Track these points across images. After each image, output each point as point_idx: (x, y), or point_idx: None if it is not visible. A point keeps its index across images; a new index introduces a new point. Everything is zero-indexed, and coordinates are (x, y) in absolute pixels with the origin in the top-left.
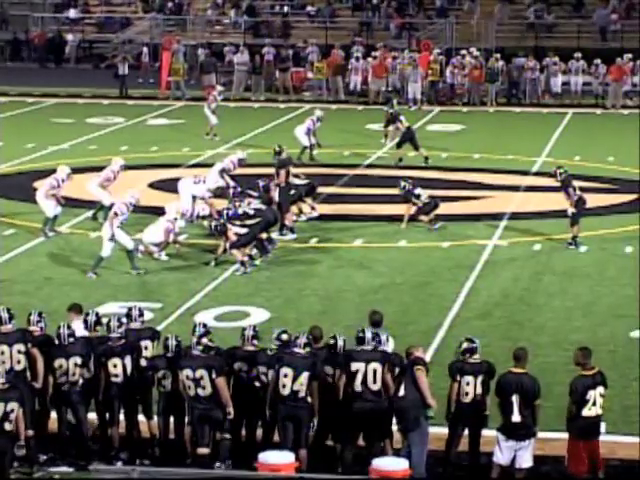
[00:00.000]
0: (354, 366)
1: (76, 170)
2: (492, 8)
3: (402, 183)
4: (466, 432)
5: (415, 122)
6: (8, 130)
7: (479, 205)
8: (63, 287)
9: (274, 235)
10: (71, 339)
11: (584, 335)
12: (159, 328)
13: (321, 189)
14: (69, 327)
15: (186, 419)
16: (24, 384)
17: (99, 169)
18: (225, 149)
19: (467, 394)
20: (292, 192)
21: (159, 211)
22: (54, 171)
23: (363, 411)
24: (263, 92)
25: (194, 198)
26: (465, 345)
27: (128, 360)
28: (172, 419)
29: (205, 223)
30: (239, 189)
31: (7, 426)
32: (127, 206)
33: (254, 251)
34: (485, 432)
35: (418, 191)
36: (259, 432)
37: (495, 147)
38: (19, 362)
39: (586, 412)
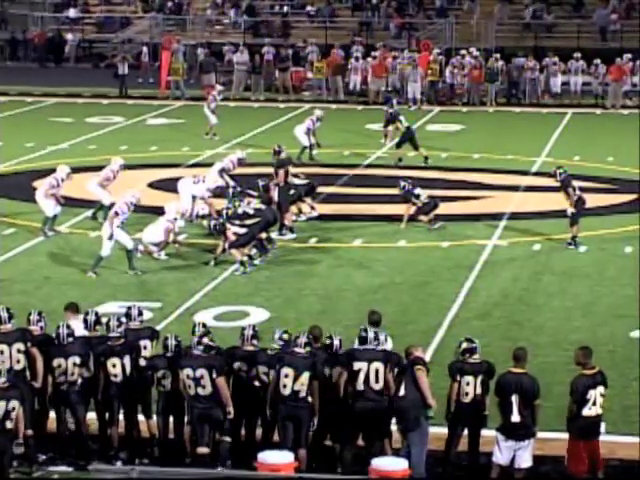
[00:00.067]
0: (356, 365)
1: (76, 170)
2: (492, 8)
3: (402, 183)
4: (466, 432)
5: (415, 122)
6: (8, 129)
7: (479, 205)
8: (62, 286)
9: (273, 235)
10: (70, 339)
11: (584, 335)
12: (158, 328)
13: (321, 189)
14: (68, 327)
15: (185, 419)
16: (24, 383)
17: (99, 169)
18: (225, 149)
19: (467, 394)
20: (292, 192)
21: (159, 211)
22: (54, 171)
23: (365, 410)
24: (263, 92)
25: (194, 198)
26: (465, 345)
27: (127, 360)
28: (172, 419)
29: (204, 223)
30: (239, 189)
31: (8, 424)
32: (128, 206)
33: (253, 251)
34: (484, 432)
35: (418, 191)
36: (259, 432)
37: (495, 147)
38: (18, 361)
39: (586, 412)
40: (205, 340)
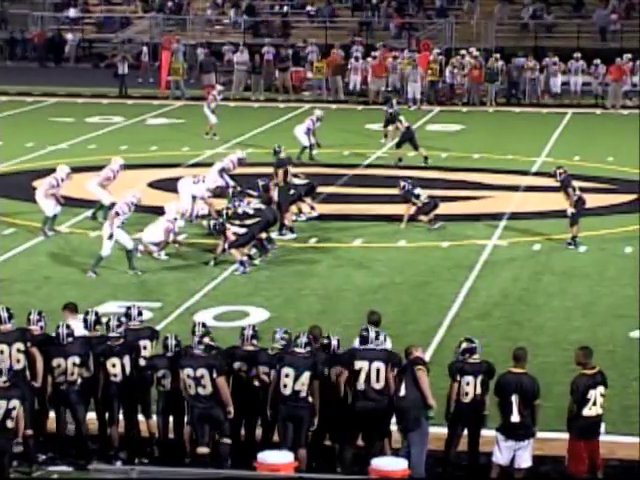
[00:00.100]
0: (358, 364)
1: (76, 169)
2: (492, 8)
3: (402, 183)
4: (465, 432)
5: (415, 122)
6: (8, 129)
7: (479, 205)
8: (62, 286)
9: (273, 235)
10: (70, 339)
11: (583, 335)
12: (158, 327)
13: (321, 189)
14: (68, 327)
15: (185, 419)
16: (24, 383)
17: (99, 168)
18: (224, 149)
19: (467, 394)
20: (292, 192)
21: (159, 211)
22: (53, 170)
23: (366, 410)
24: (263, 92)
25: (194, 198)
26: (464, 345)
27: (127, 360)
28: (171, 419)
29: (204, 223)
30: (239, 189)
31: (9, 424)
32: (129, 206)
33: (253, 251)
34: (484, 432)
35: (418, 191)
36: (258, 432)
37: (495, 147)
38: (18, 361)
39: (587, 412)
40: (206, 340)
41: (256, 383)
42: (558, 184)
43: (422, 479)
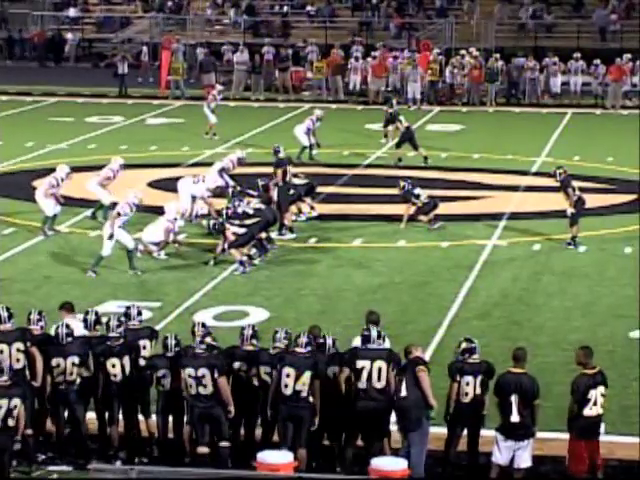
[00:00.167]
0: (360, 363)
1: (75, 169)
2: (492, 8)
3: (402, 183)
4: (465, 432)
5: (415, 122)
6: (7, 129)
7: (478, 205)
8: (62, 286)
9: (273, 235)
10: (69, 338)
11: (583, 335)
12: (158, 327)
13: (320, 189)
14: (67, 326)
15: (185, 418)
16: (24, 382)
17: (98, 168)
18: (224, 148)
19: (467, 394)
20: (291, 192)
21: (158, 210)
22: (53, 170)
23: (367, 410)
24: (263, 91)
25: (194, 197)
26: (464, 345)
27: (127, 360)
28: (171, 418)
29: (204, 222)
30: (238, 188)
31: (10, 422)
32: (130, 206)
33: (253, 251)
34: (484, 432)
35: (417, 191)
36: (258, 432)
37: (494, 147)
38: (18, 361)
39: (587, 412)
40: (208, 340)
41: (255, 382)
42: (558, 184)
43: (422, 479)
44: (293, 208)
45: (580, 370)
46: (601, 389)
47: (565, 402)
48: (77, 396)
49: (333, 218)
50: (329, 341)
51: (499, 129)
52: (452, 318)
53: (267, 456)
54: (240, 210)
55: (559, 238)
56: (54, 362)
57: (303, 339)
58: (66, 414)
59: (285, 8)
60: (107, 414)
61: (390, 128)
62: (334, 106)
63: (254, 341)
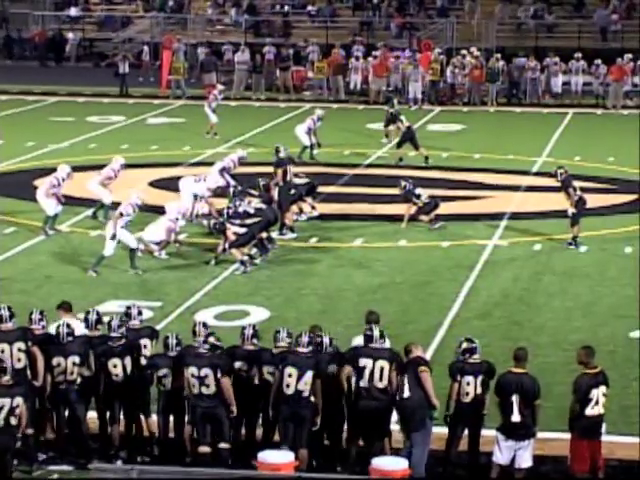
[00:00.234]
0: (362, 362)
1: (76, 169)
2: (493, 8)
3: (402, 183)
4: (466, 432)
5: (415, 122)
6: (8, 128)
7: (479, 205)
8: (63, 285)
9: (274, 234)
10: (70, 338)
11: (584, 335)
12: (159, 327)
13: (321, 188)
14: (68, 326)
15: (186, 418)
16: (25, 382)
17: (99, 168)
18: (225, 148)
19: (467, 394)
20: (292, 191)
21: (159, 210)
22: (54, 170)
23: (368, 409)
24: (263, 91)
25: (195, 197)
26: (465, 345)
27: (128, 360)
28: (172, 418)
29: (205, 222)
30: (239, 188)
31: (12, 421)
32: (133, 207)
33: (254, 250)
34: (485, 432)
35: (418, 191)
36: (259, 431)
37: (495, 147)
38: (19, 360)
39: (589, 411)
40: (211, 339)
41: (256, 382)
42: (559, 184)
43: (422, 479)
44: (294, 208)
45: (582, 370)
46: (603, 389)
47: (566, 402)
48: (78, 395)
49: (334, 218)
50: (326, 340)
51: (500, 129)
52: (453, 318)
53: (268, 456)
54: (241, 210)
55: (560, 238)
56: (55, 361)
57: (305, 339)
58: (67, 414)
59: (286, 8)
60: (108, 414)
61: (391, 128)
62: (335, 106)
63: (255, 341)
